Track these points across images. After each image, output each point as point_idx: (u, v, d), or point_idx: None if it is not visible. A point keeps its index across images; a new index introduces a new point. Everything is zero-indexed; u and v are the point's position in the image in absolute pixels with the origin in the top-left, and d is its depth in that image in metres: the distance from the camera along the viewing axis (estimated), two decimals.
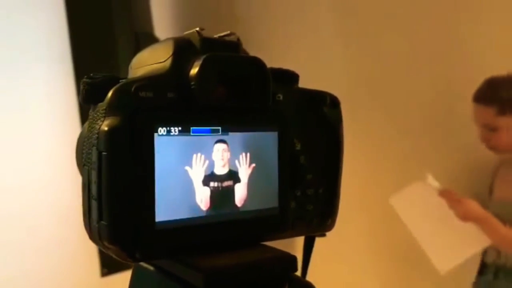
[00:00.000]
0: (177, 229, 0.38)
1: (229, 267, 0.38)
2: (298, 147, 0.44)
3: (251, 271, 0.39)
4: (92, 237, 0.38)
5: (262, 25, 1.94)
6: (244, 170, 0.41)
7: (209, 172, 0.39)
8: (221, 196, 0.40)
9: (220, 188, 0.40)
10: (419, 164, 1.53)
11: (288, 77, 0.45)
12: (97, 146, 0.36)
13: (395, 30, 1.69)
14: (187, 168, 0.38)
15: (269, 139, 0.42)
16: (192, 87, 0.38)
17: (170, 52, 0.39)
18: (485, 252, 1.43)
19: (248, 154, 0.41)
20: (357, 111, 1.62)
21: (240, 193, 0.41)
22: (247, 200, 0.41)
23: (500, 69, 1.40)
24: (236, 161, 0.40)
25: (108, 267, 1.71)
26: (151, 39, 1.73)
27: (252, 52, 0.43)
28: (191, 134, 0.38)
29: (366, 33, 1.76)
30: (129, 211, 0.36)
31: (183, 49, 0.40)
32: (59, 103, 1.76)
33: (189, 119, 0.38)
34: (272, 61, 0.44)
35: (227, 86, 0.40)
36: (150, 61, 0.41)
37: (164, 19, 2.05)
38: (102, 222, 0.36)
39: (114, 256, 0.37)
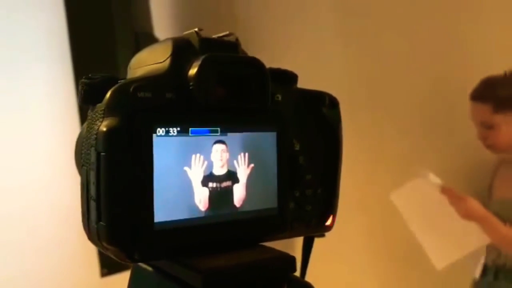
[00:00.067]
0: (176, 229, 0.38)
1: (228, 267, 0.38)
2: (297, 147, 0.44)
3: (250, 271, 0.39)
4: (91, 237, 0.38)
5: (262, 25, 1.94)
6: (243, 171, 0.41)
7: (208, 173, 0.39)
8: (220, 197, 0.40)
9: (219, 189, 0.40)
10: (418, 164, 1.52)
11: (287, 77, 0.45)
12: (96, 147, 0.36)
13: (395, 30, 1.69)
14: (186, 168, 0.38)
15: (268, 139, 0.42)
16: (191, 87, 0.38)
17: (169, 53, 0.39)
18: (486, 254, 1.43)
19: (247, 155, 0.41)
20: (357, 111, 1.62)
21: (239, 193, 0.40)
22: (246, 201, 0.41)
23: (499, 69, 1.40)
24: (235, 162, 0.40)
25: (108, 267, 1.71)
26: (151, 39, 1.73)
27: (252, 52, 0.43)
28: (190, 134, 0.38)
29: (365, 33, 1.75)
30: (128, 211, 0.36)
31: (182, 50, 0.40)
32: (58, 103, 1.76)
33: (188, 119, 0.38)
34: (271, 61, 0.44)
35: (226, 86, 0.40)
36: (149, 61, 0.41)
37: (164, 19, 2.05)
38: (101, 222, 0.36)
39: (113, 256, 0.37)
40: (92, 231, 0.37)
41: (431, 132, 1.67)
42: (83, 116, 1.57)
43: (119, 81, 0.38)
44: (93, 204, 0.36)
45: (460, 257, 1.39)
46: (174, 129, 0.37)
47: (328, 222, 0.47)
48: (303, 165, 0.44)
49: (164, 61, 0.39)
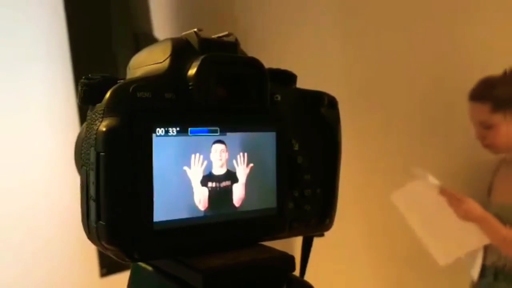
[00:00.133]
0: (176, 229, 0.38)
1: (228, 267, 0.38)
2: (296, 147, 0.45)
3: (250, 271, 0.39)
4: (90, 237, 0.38)
5: (261, 25, 1.94)
6: (242, 170, 0.41)
7: (207, 173, 0.39)
8: (219, 196, 0.40)
9: (218, 188, 0.40)
10: (418, 164, 1.52)
11: (286, 78, 0.45)
12: (95, 147, 0.36)
13: (394, 30, 1.70)
14: (185, 168, 0.38)
15: (267, 139, 0.42)
16: (190, 87, 0.38)
17: (168, 53, 0.39)
18: (486, 255, 1.43)
19: (246, 154, 0.41)
20: (356, 111, 1.62)
21: (238, 193, 0.41)
22: (245, 200, 0.41)
23: (498, 69, 1.41)
24: (234, 162, 0.40)
25: (107, 267, 1.71)
26: (150, 40, 1.73)
27: (251, 53, 0.43)
28: (189, 134, 0.38)
29: (365, 33, 1.76)
30: (127, 211, 0.36)
31: (181, 50, 0.40)
32: (58, 104, 1.76)
33: (187, 119, 0.38)
34: (271, 62, 0.44)
35: (225, 86, 0.40)
36: (148, 61, 0.41)
37: (163, 20, 2.05)
38: (101, 222, 0.36)
39: (112, 256, 0.38)
40: (92, 230, 0.37)
41: (430, 132, 1.67)
42: (82, 116, 1.56)
43: (118, 81, 0.38)
44: (92, 204, 0.36)
45: (463, 254, 1.40)
46: (174, 129, 0.37)
47: (327, 222, 0.47)
48: (302, 165, 0.45)
49: (163, 61, 0.39)
